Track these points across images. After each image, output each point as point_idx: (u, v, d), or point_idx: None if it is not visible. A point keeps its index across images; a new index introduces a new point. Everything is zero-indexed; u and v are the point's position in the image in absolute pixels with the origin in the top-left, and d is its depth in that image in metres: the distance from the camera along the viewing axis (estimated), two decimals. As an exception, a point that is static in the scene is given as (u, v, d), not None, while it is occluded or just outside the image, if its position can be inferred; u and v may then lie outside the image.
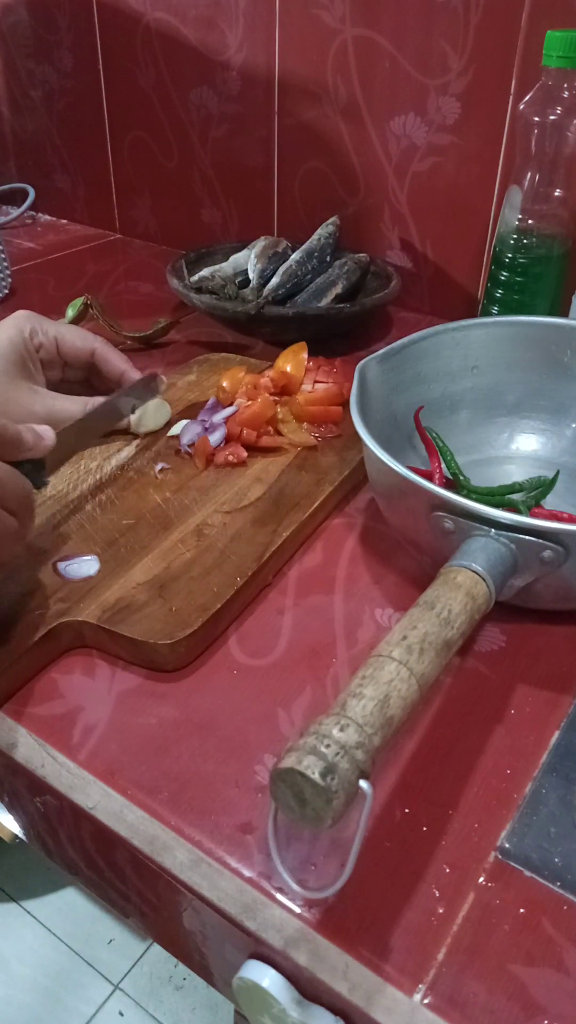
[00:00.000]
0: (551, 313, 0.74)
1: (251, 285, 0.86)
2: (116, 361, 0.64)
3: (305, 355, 0.72)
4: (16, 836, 0.83)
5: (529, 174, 0.70)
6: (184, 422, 0.66)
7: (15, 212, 1.23)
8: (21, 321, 0.60)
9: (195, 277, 0.85)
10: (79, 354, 0.63)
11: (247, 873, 0.37)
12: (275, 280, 0.84)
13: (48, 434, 0.48)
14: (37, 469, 0.48)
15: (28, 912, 1.34)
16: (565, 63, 0.66)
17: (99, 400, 0.61)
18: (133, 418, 0.64)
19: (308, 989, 0.35)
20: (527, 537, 0.43)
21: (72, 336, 0.63)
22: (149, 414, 0.65)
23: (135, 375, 0.65)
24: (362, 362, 0.57)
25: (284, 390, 0.70)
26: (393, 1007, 0.33)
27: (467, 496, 0.48)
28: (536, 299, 0.74)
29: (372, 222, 0.93)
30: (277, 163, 0.98)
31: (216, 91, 0.98)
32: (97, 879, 0.45)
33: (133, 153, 1.12)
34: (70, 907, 1.34)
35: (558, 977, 0.33)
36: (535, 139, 0.69)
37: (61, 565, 0.51)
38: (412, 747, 0.42)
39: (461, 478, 0.58)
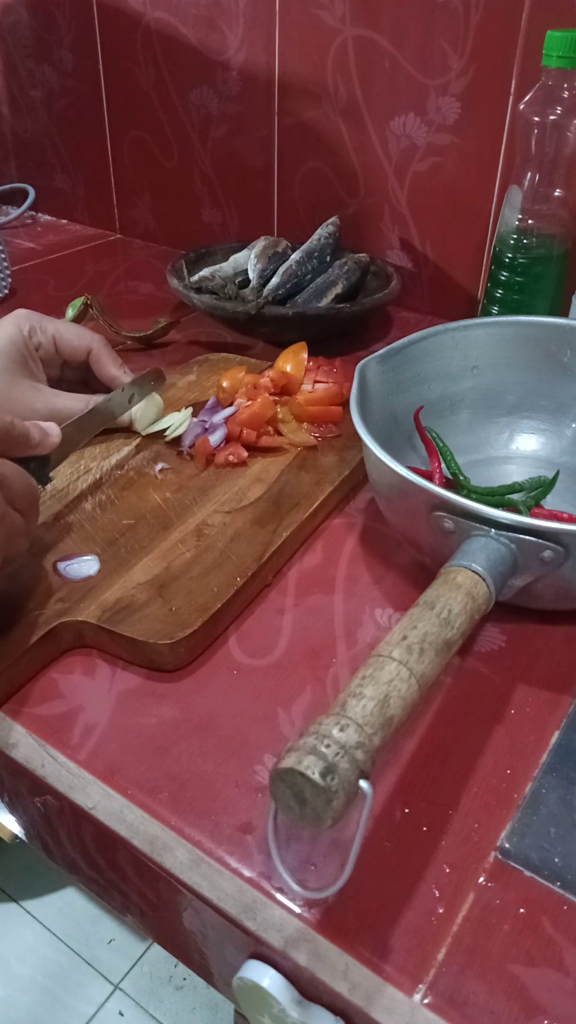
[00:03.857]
0: (551, 313, 0.74)
1: (251, 285, 0.86)
2: (109, 366, 0.65)
3: (305, 355, 0.72)
4: (16, 836, 0.83)
5: (529, 174, 0.70)
6: (175, 415, 0.65)
7: (15, 212, 1.23)
8: (20, 320, 0.60)
9: (195, 277, 0.85)
10: (76, 353, 0.63)
11: (247, 873, 0.37)
12: (275, 280, 0.84)
13: (54, 431, 0.49)
14: (42, 466, 0.49)
15: (28, 912, 1.34)
16: (565, 63, 0.66)
17: (100, 398, 0.61)
18: (133, 417, 0.64)
19: (308, 989, 0.35)
20: (527, 537, 0.43)
21: (70, 335, 0.63)
22: (144, 411, 0.64)
23: (125, 381, 0.64)
24: (362, 362, 0.57)
25: (284, 390, 0.70)
26: (393, 1007, 0.33)
27: (467, 496, 0.48)
28: (536, 299, 0.74)
29: (372, 222, 0.93)
30: (277, 163, 0.98)
31: (216, 91, 0.99)
32: (97, 879, 0.45)
33: (133, 153, 1.12)
34: (70, 907, 1.34)
35: (558, 977, 0.33)
36: (535, 139, 0.69)
37: (61, 565, 0.51)
38: (412, 747, 0.42)
39: (461, 478, 0.58)
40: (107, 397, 0.61)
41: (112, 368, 0.65)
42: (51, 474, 0.51)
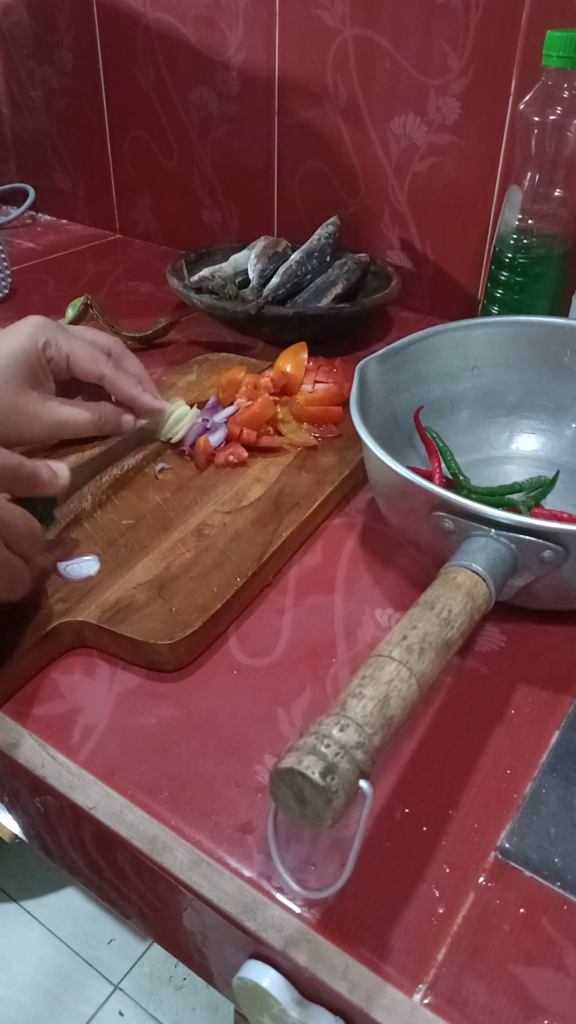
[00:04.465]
0: (551, 313, 0.74)
1: (251, 285, 0.86)
2: (126, 387, 0.61)
3: (305, 355, 0.72)
4: (16, 836, 0.83)
5: (529, 174, 0.70)
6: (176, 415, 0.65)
7: (15, 212, 1.23)
8: (36, 331, 0.58)
9: (195, 277, 0.85)
10: (88, 377, 0.61)
11: (247, 873, 0.37)
12: (275, 280, 0.84)
13: (63, 472, 0.49)
14: (48, 505, 0.49)
15: (28, 912, 1.34)
16: (565, 63, 0.66)
17: (106, 406, 0.60)
18: (163, 426, 0.64)
19: (308, 989, 0.35)
20: (527, 537, 0.43)
21: (84, 359, 0.60)
22: (179, 422, 0.64)
23: (145, 399, 0.62)
24: (362, 362, 0.57)
25: (284, 390, 0.70)
26: (393, 1007, 0.33)
27: (467, 496, 0.48)
28: (536, 299, 0.74)
29: (372, 222, 0.93)
30: (277, 163, 0.98)
31: (216, 91, 0.98)
32: (97, 879, 0.45)
33: (133, 153, 1.12)
34: (70, 907, 1.34)
35: (558, 977, 0.33)
36: (535, 139, 0.69)
37: (61, 565, 0.51)
38: (412, 747, 0.42)
39: (461, 478, 0.58)
40: (115, 442, 0.61)
41: (129, 388, 0.62)
42: (57, 514, 0.51)
